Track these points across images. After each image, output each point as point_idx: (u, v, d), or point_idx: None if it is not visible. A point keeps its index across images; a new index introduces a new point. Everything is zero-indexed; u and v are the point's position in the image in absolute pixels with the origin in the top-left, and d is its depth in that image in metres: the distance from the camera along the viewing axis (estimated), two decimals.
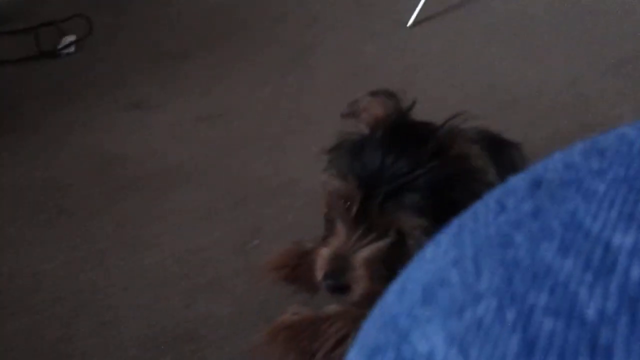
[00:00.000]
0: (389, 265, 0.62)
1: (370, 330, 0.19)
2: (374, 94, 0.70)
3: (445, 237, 0.19)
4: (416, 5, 1.61)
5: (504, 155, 0.58)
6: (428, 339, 0.15)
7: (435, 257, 0.18)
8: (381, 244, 0.62)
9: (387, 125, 0.66)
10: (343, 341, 0.69)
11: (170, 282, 0.92)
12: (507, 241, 0.16)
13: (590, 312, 0.13)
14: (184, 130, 1.29)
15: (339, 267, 0.64)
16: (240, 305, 0.87)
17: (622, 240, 0.14)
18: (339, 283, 0.64)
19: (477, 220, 0.18)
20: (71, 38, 1.61)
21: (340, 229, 0.65)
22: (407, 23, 1.62)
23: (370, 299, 0.63)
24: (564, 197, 0.16)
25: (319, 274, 0.66)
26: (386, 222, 0.61)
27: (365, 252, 0.62)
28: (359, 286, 0.63)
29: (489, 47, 1.52)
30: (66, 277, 0.95)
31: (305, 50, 1.58)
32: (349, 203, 0.63)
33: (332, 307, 0.79)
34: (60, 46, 1.59)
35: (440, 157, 0.60)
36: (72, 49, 1.60)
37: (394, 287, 0.19)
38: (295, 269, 0.87)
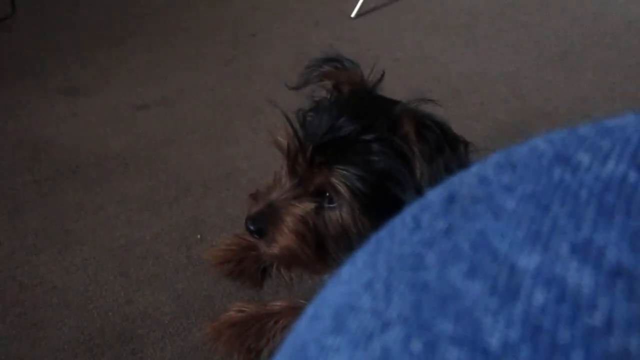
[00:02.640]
0: (316, 228, 0.61)
1: (281, 358, 0.18)
2: (334, 59, 0.68)
3: (361, 256, 0.18)
4: None
5: (447, 152, 0.57)
6: None
7: (349, 279, 0.18)
8: (311, 204, 0.61)
9: (350, 90, 0.65)
10: None
11: (106, 279, 0.87)
12: (418, 263, 0.15)
13: (494, 342, 0.13)
14: (121, 118, 1.23)
15: (265, 214, 0.62)
16: (182, 302, 0.84)
17: (527, 262, 0.14)
18: (257, 228, 0.63)
19: (393, 238, 0.17)
20: None
21: (278, 180, 0.64)
22: (351, 14, 1.62)
23: (289, 254, 0.62)
24: (475, 214, 0.16)
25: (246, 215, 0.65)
26: (316, 176, 0.60)
27: (297, 209, 0.61)
28: (281, 239, 0.62)
29: (432, 39, 1.54)
30: None
31: (249, 37, 1.54)
32: (292, 155, 0.61)
33: (278, 304, 0.77)
34: None
35: (389, 131, 0.59)
36: None
37: (309, 310, 0.18)
38: (240, 264, 0.84)
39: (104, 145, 1.15)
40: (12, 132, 1.18)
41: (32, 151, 1.13)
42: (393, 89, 0.68)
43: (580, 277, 0.13)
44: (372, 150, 0.58)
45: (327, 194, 0.60)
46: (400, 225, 0.17)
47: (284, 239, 0.61)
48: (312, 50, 1.47)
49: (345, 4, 1.65)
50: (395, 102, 0.63)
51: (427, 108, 0.64)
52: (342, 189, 0.58)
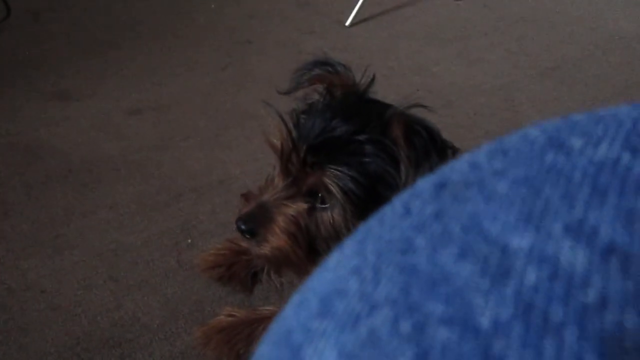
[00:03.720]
0: (307, 228, 0.61)
1: (264, 346, 0.18)
2: (326, 63, 0.68)
3: (349, 244, 0.18)
4: (354, 6, 1.62)
5: (434, 158, 0.57)
6: (320, 356, 0.15)
7: (337, 266, 0.18)
8: (304, 204, 0.61)
9: (343, 93, 0.65)
10: None
11: (95, 284, 0.87)
12: (408, 246, 0.15)
13: (485, 321, 0.13)
14: (114, 123, 1.22)
15: (256, 214, 0.62)
16: (172, 307, 0.83)
17: (520, 242, 0.14)
18: (249, 228, 0.62)
19: (383, 224, 0.17)
20: None
21: (271, 180, 0.64)
22: (345, 22, 1.63)
23: (280, 255, 0.62)
24: (466, 198, 0.16)
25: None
26: (309, 176, 0.60)
27: (289, 209, 0.60)
28: (272, 239, 0.61)
29: (425, 49, 1.56)
30: None
31: (244, 44, 1.54)
32: (285, 157, 0.61)
33: (268, 308, 0.77)
34: None
35: (381, 134, 0.59)
36: None
37: (294, 299, 0.18)
38: (230, 269, 0.84)
39: (96, 149, 1.14)
40: (3, 135, 1.18)
41: (24, 155, 1.12)
42: (386, 98, 0.69)
43: (573, 256, 0.13)
44: (364, 151, 0.58)
45: (320, 195, 0.60)
46: (390, 212, 0.17)
47: (275, 239, 0.61)
48: (307, 57, 1.48)
49: (340, 14, 1.66)
50: (387, 106, 0.63)
51: (420, 114, 0.65)
52: (334, 189, 0.58)
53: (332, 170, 0.57)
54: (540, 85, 1.40)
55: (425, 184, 0.18)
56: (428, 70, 1.46)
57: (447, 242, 0.15)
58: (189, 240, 0.94)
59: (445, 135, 0.63)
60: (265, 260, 0.66)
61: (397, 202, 0.18)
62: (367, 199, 0.58)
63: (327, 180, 0.58)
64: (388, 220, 0.17)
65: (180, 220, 0.98)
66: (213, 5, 1.73)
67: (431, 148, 0.57)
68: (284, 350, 0.16)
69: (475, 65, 1.49)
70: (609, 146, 0.15)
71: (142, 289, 0.86)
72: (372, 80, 0.67)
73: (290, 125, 0.61)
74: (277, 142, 0.61)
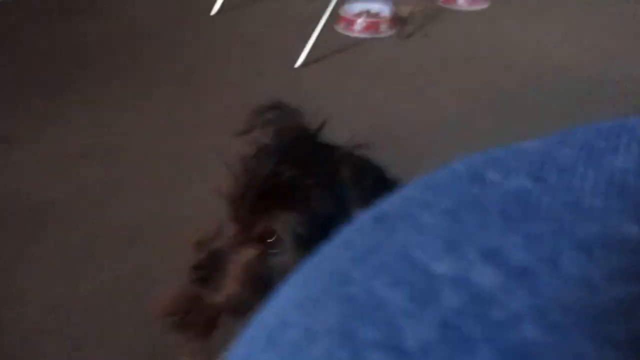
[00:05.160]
0: (261, 274, 0.61)
1: None
2: (277, 107, 0.69)
3: (295, 278, 0.19)
4: (304, 47, 1.67)
5: (387, 193, 0.59)
6: None
7: (284, 299, 0.19)
8: (255, 250, 0.61)
9: (292, 136, 0.66)
10: None
11: (39, 338, 0.83)
12: (346, 278, 0.16)
13: (412, 344, 0.14)
14: (62, 167, 1.19)
15: (209, 262, 0.62)
16: (126, 357, 0.80)
17: (442, 268, 0.15)
18: (201, 276, 0.62)
19: (325, 258, 0.19)
20: None
21: (222, 227, 0.63)
22: (295, 64, 1.67)
23: (235, 303, 0.62)
24: (399, 230, 0.17)
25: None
26: (259, 222, 0.60)
27: (241, 256, 0.60)
28: (226, 286, 0.61)
29: (373, 88, 1.61)
30: None
31: (197, 86, 1.55)
32: (234, 203, 0.61)
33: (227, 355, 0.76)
34: None
35: (330, 177, 0.60)
36: None
37: (246, 333, 0.19)
38: (187, 315, 0.82)
39: (43, 195, 1.11)
40: None
41: None
42: (336, 137, 0.71)
43: (487, 279, 0.14)
44: (313, 195, 0.59)
45: (271, 240, 0.60)
46: (332, 246, 0.19)
47: (228, 287, 0.60)
48: (257, 98, 1.50)
49: (291, 55, 1.70)
50: (336, 147, 0.65)
51: (369, 153, 0.67)
52: (283, 235, 0.58)
53: (281, 217, 0.58)
54: (482, 119, 1.48)
55: (364, 217, 0.19)
56: (376, 109, 1.51)
57: (381, 272, 0.16)
58: (142, 287, 0.92)
59: (394, 171, 0.65)
60: (222, 309, 0.66)
61: (340, 236, 0.19)
62: (318, 242, 0.58)
63: (276, 226, 0.59)
64: (330, 254, 0.19)
65: (133, 265, 0.96)
66: (163, 49, 1.73)
67: (380, 187, 0.59)
68: None
69: (421, 102, 1.55)
70: (516, 177, 0.17)
71: (93, 340, 0.83)
72: (323, 124, 0.68)
73: (239, 172, 0.61)
74: (226, 189, 0.62)
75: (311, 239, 0.59)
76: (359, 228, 0.19)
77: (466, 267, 0.15)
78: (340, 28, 1.91)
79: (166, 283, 0.92)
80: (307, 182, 0.59)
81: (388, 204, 0.19)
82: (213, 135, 1.32)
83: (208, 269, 0.61)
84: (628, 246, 0.14)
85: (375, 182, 0.59)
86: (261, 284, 0.61)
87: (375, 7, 1.97)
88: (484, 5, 2.22)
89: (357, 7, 1.97)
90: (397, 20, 1.88)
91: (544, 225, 0.15)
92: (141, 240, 1.01)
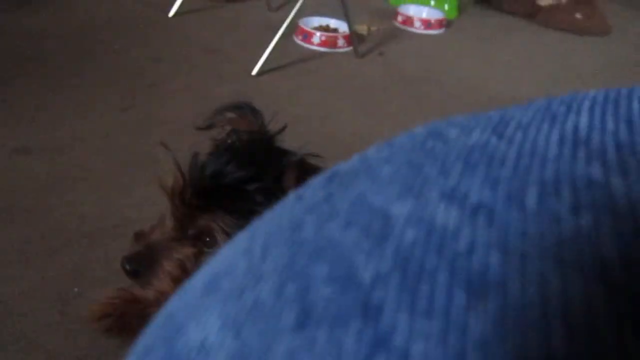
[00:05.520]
0: (194, 273, 0.60)
1: (146, 333, 0.18)
2: (239, 107, 0.69)
3: (241, 233, 0.19)
4: (261, 56, 1.66)
5: None
6: (203, 327, 0.15)
7: (226, 252, 0.18)
8: (191, 248, 0.60)
9: (248, 137, 0.66)
10: None
11: None
12: (297, 225, 0.16)
13: (366, 275, 0.14)
14: None
15: (143, 255, 0.60)
16: None
17: (400, 209, 0.15)
18: (133, 268, 0.60)
19: (274, 212, 0.18)
20: None
21: (162, 221, 0.62)
22: (252, 72, 1.66)
23: (165, 300, 0.60)
24: (353, 183, 0.17)
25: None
26: (197, 220, 0.59)
27: (176, 253, 0.59)
28: (157, 282, 0.59)
29: (327, 100, 1.62)
30: None
31: (148, 87, 1.51)
32: (175, 198, 0.60)
33: None
34: None
35: (275, 182, 0.60)
36: None
37: (187, 283, 0.19)
38: (121, 319, 0.79)
39: None
40: None
41: None
42: (290, 145, 0.71)
43: (447, 215, 0.14)
44: (254, 200, 0.58)
45: (208, 240, 0.59)
46: (282, 203, 0.18)
47: (160, 282, 0.59)
48: (215, 103, 1.48)
49: (247, 63, 1.69)
50: (286, 153, 0.65)
51: (320, 163, 0.67)
52: (219, 236, 0.58)
53: (219, 217, 0.57)
54: None
55: (317, 178, 0.19)
56: (330, 120, 1.52)
57: (334, 217, 0.16)
58: (76, 290, 0.88)
59: None
60: (151, 305, 0.63)
61: (290, 195, 0.19)
62: None
63: (214, 226, 0.58)
64: (279, 209, 0.18)
65: (69, 267, 0.91)
66: (117, 47, 1.69)
67: None
68: (167, 330, 0.16)
69: (374, 116, 1.58)
70: (480, 134, 0.17)
71: (19, 345, 0.78)
72: (283, 129, 0.68)
73: (185, 167, 0.60)
74: (169, 183, 0.60)
75: None
76: (311, 186, 0.18)
77: (425, 206, 0.15)
78: (298, 39, 1.92)
79: (104, 286, 0.88)
80: (251, 186, 0.59)
81: (342, 165, 0.19)
82: (163, 137, 1.29)
83: (141, 262, 0.60)
84: (595, 184, 0.14)
85: None
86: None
87: (333, 23, 2.00)
88: (440, 31, 2.29)
89: (316, 21, 1.99)
90: (354, 36, 1.91)
91: (508, 170, 0.15)
92: (79, 241, 0.97)
